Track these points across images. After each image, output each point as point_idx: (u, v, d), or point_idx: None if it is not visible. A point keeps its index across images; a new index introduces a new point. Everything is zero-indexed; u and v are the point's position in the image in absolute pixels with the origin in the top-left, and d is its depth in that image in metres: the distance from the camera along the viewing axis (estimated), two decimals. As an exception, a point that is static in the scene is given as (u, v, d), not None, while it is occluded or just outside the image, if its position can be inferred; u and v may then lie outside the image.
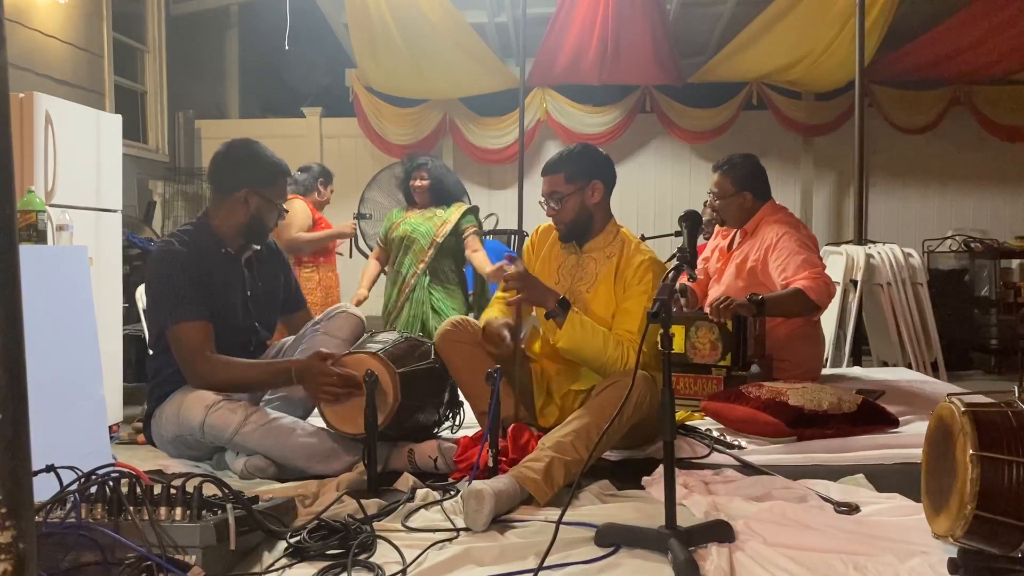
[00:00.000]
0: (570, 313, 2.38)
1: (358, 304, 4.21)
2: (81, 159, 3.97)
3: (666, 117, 7.26)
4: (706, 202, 3.42)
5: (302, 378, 2.36)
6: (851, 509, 1.95)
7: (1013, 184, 7.48)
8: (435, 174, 4.26)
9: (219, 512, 1.61)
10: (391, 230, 4.31)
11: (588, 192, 2.56)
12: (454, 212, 4.23)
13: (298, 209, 4.46)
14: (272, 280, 2.71)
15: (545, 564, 1.59)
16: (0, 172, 0.84)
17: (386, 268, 4.42)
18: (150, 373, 2.54)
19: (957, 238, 6.86)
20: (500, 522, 1.90)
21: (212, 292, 2.45)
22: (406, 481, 2.18)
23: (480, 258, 4.19)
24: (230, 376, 2.40)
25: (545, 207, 2.61)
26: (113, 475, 1.60)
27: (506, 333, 2.48)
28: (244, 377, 2.43)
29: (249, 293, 2.59)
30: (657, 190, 7.58)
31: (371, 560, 1.66)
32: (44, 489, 1.45)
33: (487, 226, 6.97)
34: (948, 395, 1.62)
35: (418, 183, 4.23)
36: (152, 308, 2.50)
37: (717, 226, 3.51)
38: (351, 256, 4.63)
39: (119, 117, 4.44)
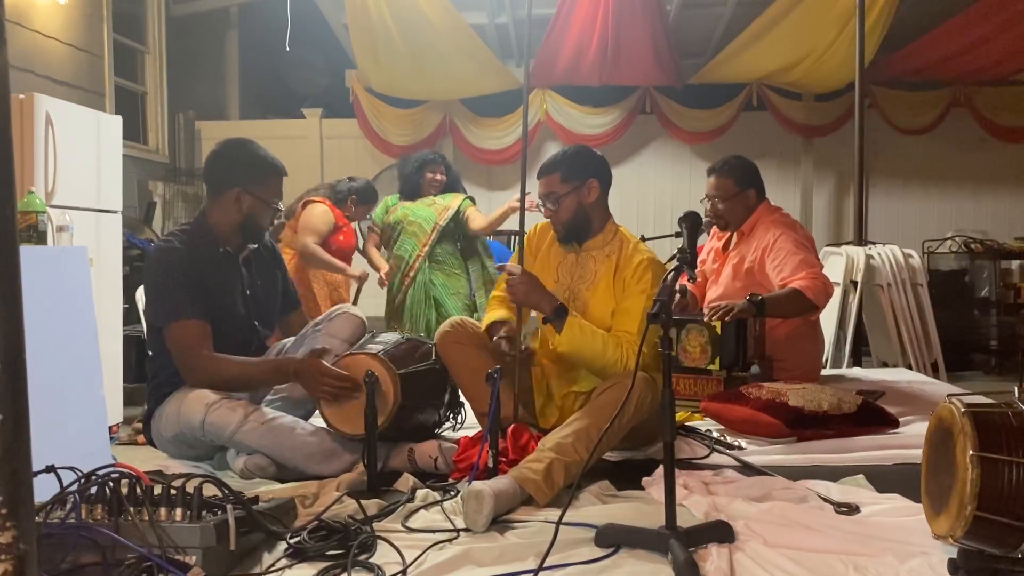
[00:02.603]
0: (569, 318, 2.37)
1: (385, 276, 4.33)
2: (81, 160, 3.98)
3: (666, 118, 7.26)
4: (707, 207, 3.40)
5: (299, 376, 2.37)
6: (851, 510, 1.95)
7: (1013, 185, 7.48)
8: (452, 171, 4.45)
9: (219, 513, 1.61)
10: (388, 214, 4.39)
11: (584, 191, 2.56)
12: (453, 199, 4.33)
13: (317, 214, 4.34)
14: (271, 279, 2.71)
15: (545, 565, 1.59)
16: (0, 173, 0.84)
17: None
18: (150, 374, 2.53)
19: (957, 239, 6.86)
20: (500, 523, 1.90)
21: (211, 291, 2.46)
22: (406, 481, 2.18)
23: (477, 219, 4.28)
24: (228, 373, 2.40)
25: (542, 209, 2.61)
26: (113, 476, 1.60)
27: (506, 347, 2.50)
28: (242, 374, 2.42)
29: (248, 292, 2.59)
30: (657, 191, 7.58)
31: (371, 561, 1.66)
32: (44, 490, 1.45)
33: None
34: (948, 396, 1.62)
35: (438, 177, 4.35)
36: (150, 307, 2.50)
37: (715, 227, 3.51)
38: (355, 303, 4.47)
39: (119, 118, 4.45)
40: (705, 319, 2.98)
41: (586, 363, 2.45)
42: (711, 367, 3.00)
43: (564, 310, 2.39)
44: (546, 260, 2.67)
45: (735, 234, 3.39)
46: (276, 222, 2.71)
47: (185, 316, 2.38)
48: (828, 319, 4.39)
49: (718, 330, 2.96)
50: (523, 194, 2.68)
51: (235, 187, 2.51)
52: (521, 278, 2.42)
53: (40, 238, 3.16)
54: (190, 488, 1.63)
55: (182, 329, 2.38)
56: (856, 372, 4.05)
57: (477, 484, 1.91)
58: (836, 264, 4.73)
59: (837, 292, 4.52)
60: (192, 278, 2.41)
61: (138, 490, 1.60)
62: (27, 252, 2.68)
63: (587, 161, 2.60)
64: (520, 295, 2.42)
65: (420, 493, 2.09)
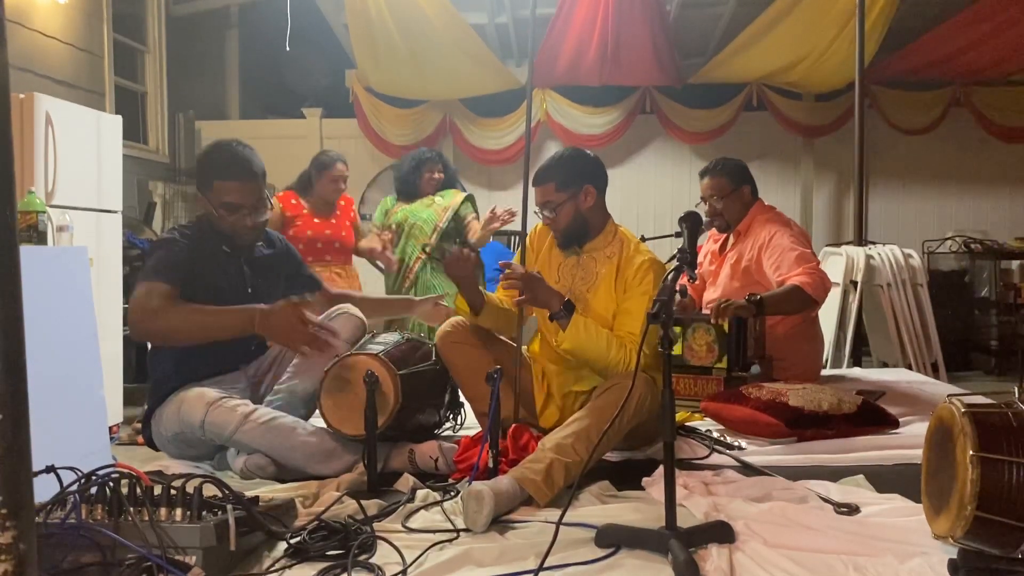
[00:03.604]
0: (574, 315, 2.38)
1: (385, 248, 4.24)
2: (81, 160, 3.98)
3: (666, 118, 7.26)
4: (705, 209, 3.42)
5: (267, 323, 2.29)
6: (851, 510, 1.95)
7: (1013, 185, 7.48)
8: (449, 168, 4.45)
9: (219, 513, 1.61)
10: (387, 217, 4.38)
11: (581, 198, 2.56)
12: (453, 198, 4.32)
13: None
14: (274, 277, 2.70)
15: (545, 565, 1.59)
16: (0, 173, 0.84)
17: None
18: (150, 373, 2.53)
19: (957, 239, 6.86)
20: (500, 523, 1.90)
21: (211, 288, 2.45)
22: (406, 482, 2.18)
23: (475, 230, 4.28)
24: (175, 320, 2.30)
25: (540, 216, 2.61)
26: (113, 476, 1.60)
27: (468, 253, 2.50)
28: (191, 322, 2.32)
29: (251, 291, 2.59)
30: (657, 191, 7.58)
31: (371, 561, 1.66)
32: (44, 490, 1.45)
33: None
34: (948, 396, 1.62)
35: (436, 175, 4.34)
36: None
37: (714, 228, 3.52)
38: None
39: (119, 118, 4.45)
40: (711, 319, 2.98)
41: (589, 362, 2.45)
42: (718, 365, 3.00)
43: (571, 306, 2.40)
44: (547, 262, 2.67)
45: (732, 235, 3.41)
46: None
47: (149, 279, 2.35)
48: (828, 319, 4.39)
49: (725, 328, 2.96)
50: (525, 194, 2.67)
51: (199, 191, 2.54)
52: (525, 277, 2.41)
53: (40, 238, 3.16)
54: (190, 488, 1.63)
55: (146, 288, 2.33)
56: (856, 372, 4.05)
57: (477, 484, 1.91)
58: (836, 264, 4.73)
59: (837, 292, 4.53)
60: (186, 266, 2.40)
61: (138, 490, 1.60)
62: (27, 252, 2.68)
63: (582, 167, 2.59)
64: (528, 294, 2.41)
65: (420, 493, 2.09)
